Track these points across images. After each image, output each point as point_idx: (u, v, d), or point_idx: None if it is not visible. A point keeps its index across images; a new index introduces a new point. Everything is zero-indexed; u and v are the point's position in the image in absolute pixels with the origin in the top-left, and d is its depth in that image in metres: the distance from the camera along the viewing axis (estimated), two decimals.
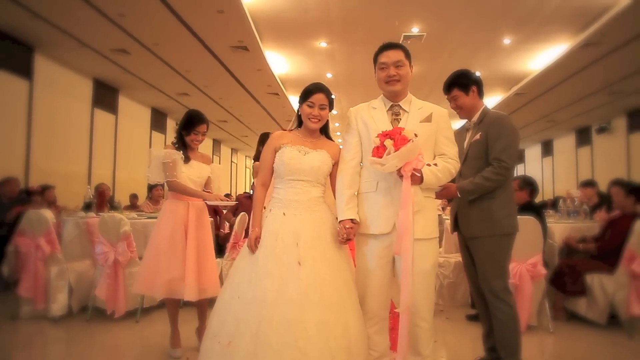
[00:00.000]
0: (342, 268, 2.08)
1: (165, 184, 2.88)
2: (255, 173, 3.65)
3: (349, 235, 2.08)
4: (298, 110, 2.25)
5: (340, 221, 2.09)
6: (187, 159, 2.86)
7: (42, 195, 5.56)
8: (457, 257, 4.18)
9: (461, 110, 2.51)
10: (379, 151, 1.96)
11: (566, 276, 3.52)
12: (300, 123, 2.26)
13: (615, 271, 3.37)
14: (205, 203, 2.93)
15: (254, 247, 2.07)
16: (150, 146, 11.23)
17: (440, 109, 2.21)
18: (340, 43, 7.71)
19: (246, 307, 1.92)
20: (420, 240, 2.03)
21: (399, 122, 2.15)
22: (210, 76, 8.77)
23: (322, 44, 7.77)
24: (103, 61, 7.69)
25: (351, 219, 2.08)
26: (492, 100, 10.59)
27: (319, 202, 2.16)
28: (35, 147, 6.98)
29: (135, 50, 7.22)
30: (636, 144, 10.57)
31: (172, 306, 2.90)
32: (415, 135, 1.95)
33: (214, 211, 4.69)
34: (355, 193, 2.15)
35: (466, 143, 2.48)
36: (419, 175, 1.98)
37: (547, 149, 15.28)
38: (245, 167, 20.77)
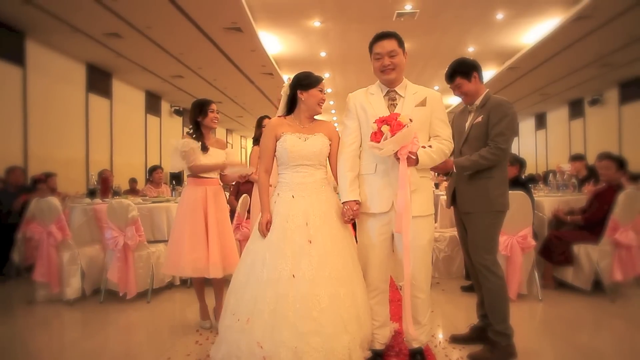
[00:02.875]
0: (347, 244, 2.25)
1: (184, 170, 3.07)
2: (252, 159, 3.78)
3: (355, 215, 2.23)
4: (293, 97, 2.34)
5: (344, 202, 2.24)
6: (205, 149, 3.03)
7: (46, 182, 5.64)
8: (452, 232, 4.36)
9: (466, 96, 2.60)
10: (377, 136, 2.10)
11: (554, 247, 3.70)
12: (291, 109, 2.37)
13: (599, 240, 3.55)
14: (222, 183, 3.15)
15: (265, 232, 2.20)
16: (145, 129, 11.24)
17: (434, 92, 2.34)
18: (334, 22, 7.68)
19: (262, 286, 2.07)
20: (417, 218, 2.20)
21: (395, 107, 2.28)
22: (204, 58, 8.73)
23: (316, 23, 7.74)
24: (96, 46, 7.64)
25: (356, 200, 2.23)
26: (486, 74, 10.63)
27: (324, 183, 2.31)
28: (32, 134, 7.00)
29: (128, 34, 7.18)
30: (628, 115, 10.70)
31: (198, 284, 3.10)
32: (410, 120, 2.08)
33: (237, 191, 4.76)
34: (356, 175, 2.29)
35: (467, 124, 2.59)
36: (414, 157, 2.12)
37: (541, 121, 15.39)
38: (241, 147, 20.78)
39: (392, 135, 2.04)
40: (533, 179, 7.49)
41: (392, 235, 2.29)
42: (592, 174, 4.99)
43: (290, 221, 2.18)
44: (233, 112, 14.62)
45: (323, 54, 9.53)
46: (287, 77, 2.44)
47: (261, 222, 2.23)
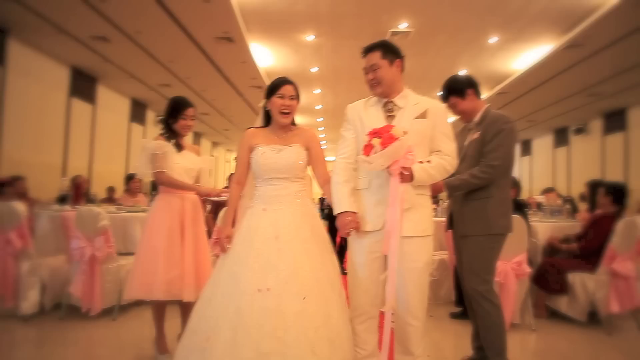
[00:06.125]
0: (323, 261, 2.08)
1: (153, 177, 2.71)
2: None
3: (355, 228, 2.06)
4: (265, 107, 2.24)
5: (341, 213, 2.06)
6: (179, 147, 2.72)
7: (13, 186, 5.32)
8: (440, 255, 4.19)
9: (463, 115, 2.51)
10: (367, 149, 1.96)
11: (549, 275, 3.56)
12: (267, 121, 2.26)
13: (596, 270, 3.42)
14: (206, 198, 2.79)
15: (225, 247, 2.08)
16: (128, 138, 10.94)
17: (438, 103, 2.20)
18: (327, 37, 7.63)
19: (225, 300, 1.92)
20: (412, 238, 2.03)
21: (393, 119, 2.12)
22: (193, 67, 8.58)
23: (309, 38, 7.68)
24: (81, 49, 7.42)
25: (356, 212, 2.07)
26: None
27: (300, 196, 2.17)
28: (7, 136, 6.69)
29: (116, 38, 6.98)
30: (611, 145, 10.86)
31: (160, 308, 2.70)
32: (405, 133, 1.94)
33: (215, 208, 4.47)
34: (353, 187, 2.14)
35: (467, 142, 2.47)
36: (407, 173, 1.96)
37: (526, 148, 15.56)
38: (225, 161, 20.52)
39: (383, 149, 1.89)
40: (525, 204, 7.54)
41: (386, 255, 2.10)
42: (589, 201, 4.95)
43: (260, 234, 2.04)
44: (220, 124, 14.44)
45: (314, 70, 9.47)
46: None
47: (220, 235, 2.10)
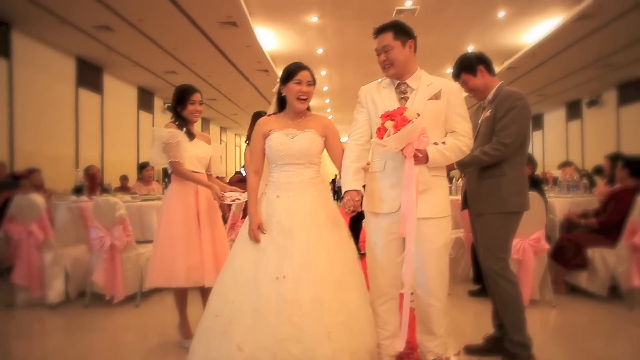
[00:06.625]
0: (339, 246, 2.09)
1: (169, 166, 2.71)
2: (246, 158, 3.52)
3: (355, 207, 2.05)
4: (280, 93, 2.21)
5: (346, 192, 2.08)
6: (191, 136, 2.73)
7: (29, 179, 5.39)
8: (456, 233, 4.19)
9: (475, 93, 2.46)
10: (380, 132, 1.95)
11: (567, 250, 3.54)
12: (282, 106, 2.24)
13: (616, 245, 3.39)
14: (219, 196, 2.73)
15: (257, 237, 2.06)
16: (137, 126, 10.98)
17: (452, 84, 2.18)
18: (332, 18, 7.51)
19: (247, 287, 1.96)
20: (429, 219, 2.03)
21: (406, 101, 2.11)
22: (198, 53, 8.52)
23: (313, 19, 7.56)
24: (86, 39, 7.39)
25: (357, 190, 2.07)
26: None
27: (313, 183, 2.16)
28: (18, 129, 6.74)
29: (120, 27, 6.94)
30: (626, 117, 10.63)
31: (182, 295, 2.73)
32: (418, 115, 1.93)
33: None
34: (362, 167, 2.14)
35: (480, 120, 2.44)
36: (421, 155, 1.96)
37: (538, 123, 15.32)
38: (235, 145, 20.56)
39: (396, 132, 1.88)
40: (541, 180, 7.47)
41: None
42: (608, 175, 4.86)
43: (274, 221, 2.06)
44: (227, 109, 14.41)
45: (320, 51, 9.35)
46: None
47: (251, 227, 2.08)
